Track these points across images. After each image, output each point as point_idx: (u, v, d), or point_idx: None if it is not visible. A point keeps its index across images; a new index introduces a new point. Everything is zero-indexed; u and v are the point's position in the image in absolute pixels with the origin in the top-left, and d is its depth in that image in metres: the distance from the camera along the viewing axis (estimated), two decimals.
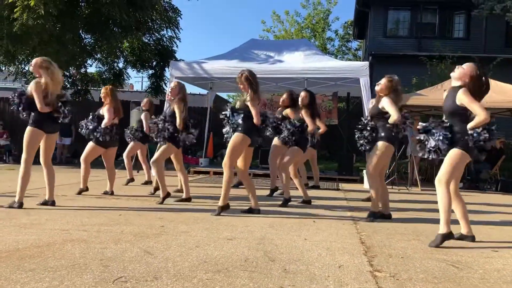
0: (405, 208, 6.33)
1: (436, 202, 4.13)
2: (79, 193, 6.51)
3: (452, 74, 4.13)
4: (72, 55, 13.36)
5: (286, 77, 10.90)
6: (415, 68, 15.07)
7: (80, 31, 14.28)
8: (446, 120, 4.09)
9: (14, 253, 3.21)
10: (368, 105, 8.99)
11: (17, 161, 11.93)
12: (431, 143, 4.06)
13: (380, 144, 5.10)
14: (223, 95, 26.61)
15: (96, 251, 3.34)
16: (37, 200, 5.48)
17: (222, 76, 10.86)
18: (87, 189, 6.61)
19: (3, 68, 16.24)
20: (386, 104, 4.98)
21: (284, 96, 6.76)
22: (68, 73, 16.45)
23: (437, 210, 4.11)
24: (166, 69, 15.99)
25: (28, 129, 5.12)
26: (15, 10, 11.46)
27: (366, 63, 10.37)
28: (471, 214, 4.57)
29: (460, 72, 4.03)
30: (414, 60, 15.68)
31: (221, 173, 5.20)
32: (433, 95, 9.80)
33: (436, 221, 5.09)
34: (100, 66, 16.93)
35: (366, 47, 20.99)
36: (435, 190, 4.12)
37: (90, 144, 6.52)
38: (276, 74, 10.40)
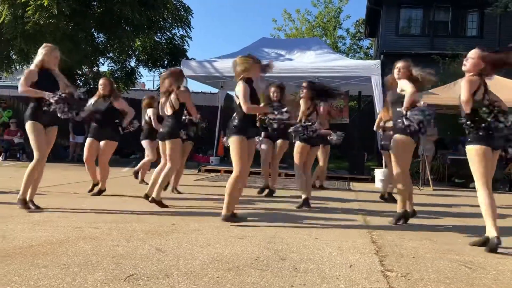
0: (416, 208, 6.27)
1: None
2: (99, 193, 6.26)
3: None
4: (84, 54, 13.47)
5: (297, 76, 10.86)
6: (427, 67, 14.88)
7: (93, 30, 14.39)
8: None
9: (27, 249, 3.24)
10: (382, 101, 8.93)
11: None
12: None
13: (396, 137, 4.78)
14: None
15: (108, 248, 3.36)
16: (47, 198, 5.53)
17: (233, 74, 10.85)
18: (104, 190, 6.36)
19: (17, 67, 16.41)
20: (403, 83, 4.71)
21: (273, 89, 6.73)
22: (80, 72, 16.59)
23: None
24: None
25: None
26: (28, 9, 11.59)
27: (378, 61, 10.33)
28: None
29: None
30: (426, 59, 15.49)
31: (232, 172, 5.10)
32: (445, 94, 9.70)
33: (448, 221, 5.06)
34: (112, 65, 17.06)
35: (378, 45, 20.87)
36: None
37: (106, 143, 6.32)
38: (287, 73, 10.37)
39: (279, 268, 3.01)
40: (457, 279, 2.95)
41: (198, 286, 2.59)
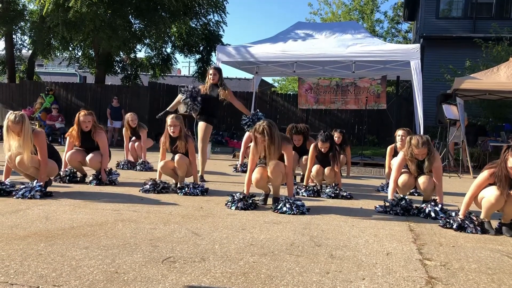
0: (455, 196, 6.12)
1: None
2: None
3: None
4: (122, 41, 13.69)
5: (333, 61, 10.69)
6: (468, 50, 14.40)
7: (130, 16, 14.61)
8: None
9: (69, 231, 3.35)
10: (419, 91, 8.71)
11: None
12: None
13: None
14: (268, 79, 26.54)
15: (146, 231, 3.43)
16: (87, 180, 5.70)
17: (268, 60, 10.79)
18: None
19: (57, 54, 16.89)
20: None
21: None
22: (119, 58, 16.90)
23: None
24: (213, 53, 16.13)
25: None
26: None
27: (417, 45, 9.99)
28: None
29: None
30: (468, 43, 14.96)
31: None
32: (487, 79, 9.37)
33: None
34: (149, 51, 17.29)
35: (417, 29, 20.23)
36: None
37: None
38: (323, 57, 10.20)
39: (314, 254, 3.00)
40: (500, 270, 2.86)
41: (234, 270, 2.61)
